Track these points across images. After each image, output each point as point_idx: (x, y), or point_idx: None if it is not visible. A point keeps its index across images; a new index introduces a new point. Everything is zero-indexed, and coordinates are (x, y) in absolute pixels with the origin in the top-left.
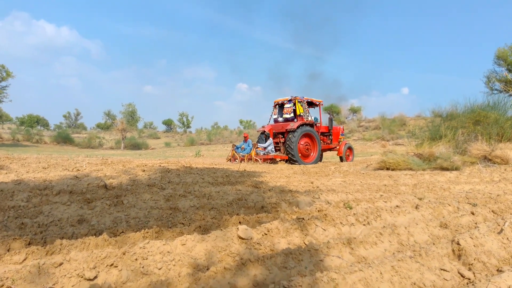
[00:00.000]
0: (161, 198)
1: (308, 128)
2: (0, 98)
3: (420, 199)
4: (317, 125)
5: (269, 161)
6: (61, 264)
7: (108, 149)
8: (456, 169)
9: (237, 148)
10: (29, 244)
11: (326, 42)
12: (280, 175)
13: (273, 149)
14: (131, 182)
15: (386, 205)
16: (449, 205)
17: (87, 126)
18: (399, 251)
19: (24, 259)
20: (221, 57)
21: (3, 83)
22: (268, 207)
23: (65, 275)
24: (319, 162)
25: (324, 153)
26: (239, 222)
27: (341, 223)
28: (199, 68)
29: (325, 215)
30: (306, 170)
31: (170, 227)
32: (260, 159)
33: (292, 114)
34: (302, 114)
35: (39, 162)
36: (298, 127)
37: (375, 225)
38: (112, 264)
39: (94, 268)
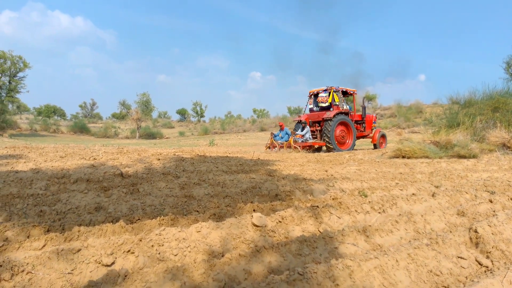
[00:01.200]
0: (176, 186)
1: (343, 116)
2: (18, 89)
3: (437, 187)
4: (351, 113)
5: (307, 148)
6: (79, 250)
7: (123, 139)
8: (474, 156)
9: (276, 136)
10: (48, 231)
11: (339, 26)
12: (294, 163)
13: (311, 137)
14: (146, 170)
15: (402, 193)
16: (466, 193)
17: (103, 116)
18: (415, 239)
19: (43, 246)
20: (233, 45)
21: (21, 74)
22: (282, 195)
23: (83, 261)
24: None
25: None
26: (253, 210)
27: (356, 211)
28: (212, 57)
29: (340, 203)
30: (320, 158)
31: (185, 215)
32: (299, 146)
33: (327, 103)
34: (337, 103)
35: (57, 151)
36: (334, 116)
37: (390, 213)
38: (129, 251)
39: (112, 254)
